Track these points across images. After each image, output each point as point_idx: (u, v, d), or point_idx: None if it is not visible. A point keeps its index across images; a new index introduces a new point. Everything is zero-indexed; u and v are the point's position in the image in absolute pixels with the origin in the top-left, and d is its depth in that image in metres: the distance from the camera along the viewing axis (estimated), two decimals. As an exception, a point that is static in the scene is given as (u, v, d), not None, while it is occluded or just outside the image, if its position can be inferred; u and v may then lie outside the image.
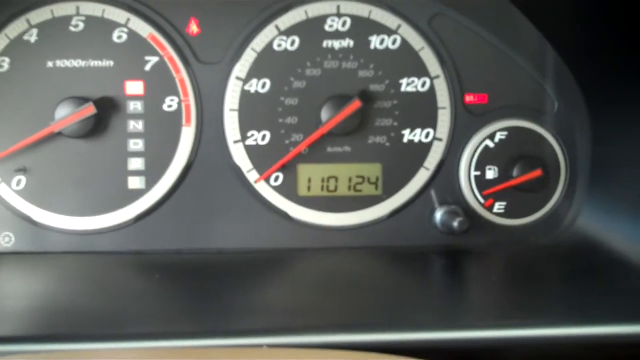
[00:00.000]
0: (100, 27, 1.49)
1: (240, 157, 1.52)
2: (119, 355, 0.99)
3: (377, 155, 1.53)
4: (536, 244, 1.54)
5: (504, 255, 1.51)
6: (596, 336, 1.05)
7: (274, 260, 1.46)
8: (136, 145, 1.50)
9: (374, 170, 1.53)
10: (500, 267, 1.48)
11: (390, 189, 1.54)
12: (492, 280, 1.37)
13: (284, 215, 1.53)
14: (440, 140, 1.54)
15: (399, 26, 1.53)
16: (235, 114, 1.51)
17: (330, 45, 1.52)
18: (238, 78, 1.51)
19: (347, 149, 1.53)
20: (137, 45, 1.50)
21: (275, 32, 1.51)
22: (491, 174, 1.54)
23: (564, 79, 1.53)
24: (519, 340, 1.05)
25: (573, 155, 1.56)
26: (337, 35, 1.52)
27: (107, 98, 1.49)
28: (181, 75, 1.51)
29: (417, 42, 1.53)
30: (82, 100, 1.46)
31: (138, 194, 1.51)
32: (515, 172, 1.53)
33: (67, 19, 1.49)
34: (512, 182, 1.53)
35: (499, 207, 1.55)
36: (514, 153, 1.54)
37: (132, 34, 1.50)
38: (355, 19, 1.52)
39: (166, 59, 1.50)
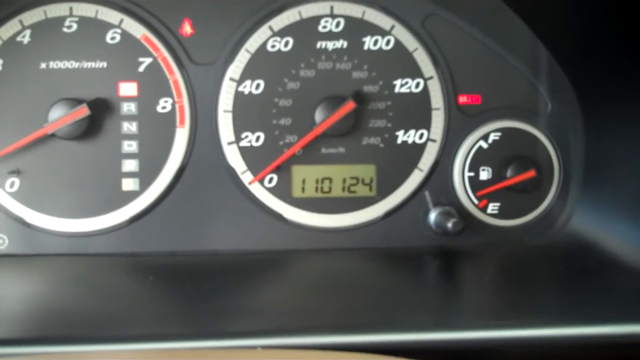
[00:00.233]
0: (93, 28, 1.49)
1: (234, 159, 1.52)
2: (112, 357, 0.99)
3: (371, 156, 1.53)
4: (530, 244, 1.54)
5: (497, 255, 1.51)
6: (589, 336, 1.05)
7: (268, 261, 1.46)
8: (130, 146, 1.50)
9: (368, 171, 1.53)
10: (494, 267, 1.49)
11: (384, 190, 1.54)
12: (485, 281, 1.37)
13: (278, 217, 1.53)
14: (434, 141, 1.54)
15: (393, 27, 1.53)
16: (229, 115, 1.51)
17: (323, 46, 1.52)
18: (232, 79, 1.51)
19: (341, 150, 1.53)
20: (131, 46, 1.50)
21: (269, 33, 1.51)
22: (485, 174, 1.55)
23: (557, 79, 1.54)
24: (513, 341, 1.05)
25: (566, 155, 1.56)
26: (331, 35, 1.52)
27: (100, 99, 1.49)
28: (175, 76, 1.51)
29: (410, 42, 1.53)
30: (76, 102, 1.46)
31: (132, 196, 1.50)
32: (508, 173, 1.53)
33: (60, 20, 1.48)
34: (506, 183, 1.53)
35: (492, 207, 1.55)
36: (507, 154, 1.54)
37: (126, 35, 1.49)
38: (349, 20, 1.52)
39: (160, 60, 1.50)
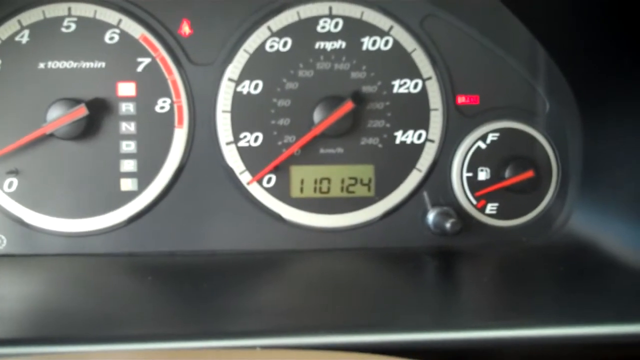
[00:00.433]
0: (91, 28, 1.49)
1: (233, 159, 1.52)
2: (111, 357, 0.98)
3: (370, 156, 1.53)
4: (528, 244, 1.54)
5: (496, 256, 1.51)
6: (588, 336, 1.05)
7: (266, 261, 1.45)
8: (128, 146, 1.50)
9: (366, 171, 1.53)
10: (493, 267, 1.49)
11: (383, 190, 1.54)
12: (484, 281, 1.37)
13: (277, 217, 1.53)
14: (432, 141, 1.54)
15: (391, 27, 1.53)
16: (228, 115, 1.51)
17: (322, 46, 1.52)
18: (230, 79, 1.51)
19: (340, 150, 1.53)
20: (129, 46, 1.49)
21: (268, 33, 1.51)
22: (483, 175, 1.55)
23: (555, 79, 1.54)
24: (511, 341, 1.05)
25: (564, 156, 1.56)
26: (329, 36, 1.52)
27: (99, 99, 1.49)
28: (173, 76, 1.51)
29: (409, 43, 1.53)
30: (74, 102, 1.46)
31: (130, 196, 1.50)
32: (507, 173, 1.53)
33: (59, 20, 1.48)
34: (504, 183, 1.53)
35: (491, 208, 1.55)
36: (505, 154, 1.54)
37: (124, 35, 1.49)
38: (347, 20, 1.52)
39: (158, 60, 1.50)
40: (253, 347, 0.99)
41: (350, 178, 1.53)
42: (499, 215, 1.55)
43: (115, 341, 1.00)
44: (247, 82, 1.51)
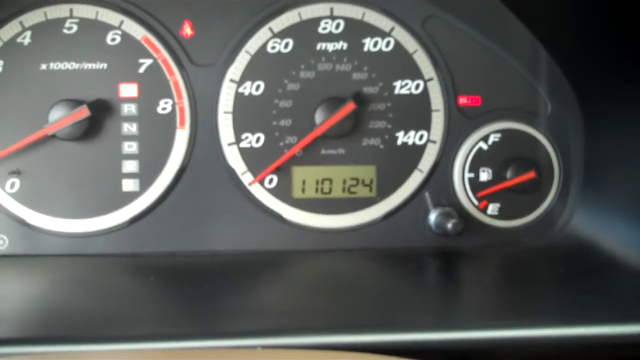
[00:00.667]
0: (93, 29, 1.49)
1: (235, 160, 1.52)
2: (113, 357, 0.99)
3: (371, 157, 1.53)
4: (530, 245, 1.54)
5: (497, 256, 1.51)
6: (590, 336, 1.05)
7: (268, 262, 1.46)
8: (130, 147, 1.50)
9: (368, 172, 1.53)
10: (494, 268, 1.49)
11: (384, 191, 1.54)
12: (486, 282, 1.37)
13: (278, 217, 1.53)
14: (434, 142, 1.54)
15: (392, 28, 1.53)
16: (229, 116, 1.51)
17: (323, 48, 1.52)
18: (232, 80, 1.51)
19: (341, 151, 1.53)
20: (131, 48, 1.50)
21: (269, 34, 1.51)
22: (485, 175, 1.55)
23: (557, 80, 1.54)
24: (513, 341, 1.05)
25: (566, 156, 1.56)
26: (331, 37, 1.52)
27: (100, 100, 1.49)
28: (175, 77, 1.51)
29: (410, 44, 1.53)
30: (76, 103, 1.46)
31: (132, 197, 1.51)
32: (508, 174, 1.53)
33: (61, 21, 1.48)
34: (506, 184, 1.53)
35: (492, 208, 1.55)
36: (507, 155, 1.54)
37: (126, 36, 1.50)
38: (349, 21, 1.53)
39: (160, 61, 1.50)
40: (254, 347, 0.99)
41: (352, 179, 1.53)
42: (500, 215, 1.55)
43: (117, 341, 1.00)
44: (248, 83, 1.51)
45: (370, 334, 1.03)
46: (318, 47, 1.52)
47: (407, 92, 1.53)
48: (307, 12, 1.52)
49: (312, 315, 1.14)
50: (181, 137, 1.51)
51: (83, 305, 1.19)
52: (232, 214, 1.51)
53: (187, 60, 1.51)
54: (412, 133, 1.54)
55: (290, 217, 1.53)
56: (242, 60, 1.51)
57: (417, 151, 1.54)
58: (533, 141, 1.56)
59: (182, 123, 1.51)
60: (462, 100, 1.55)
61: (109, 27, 1.49)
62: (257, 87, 1.52)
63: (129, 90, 1.50)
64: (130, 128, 1.50)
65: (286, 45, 1.52)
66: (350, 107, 1.48)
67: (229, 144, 1.52)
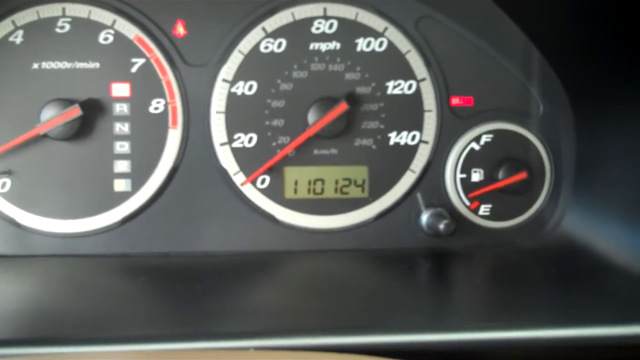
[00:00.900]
0: (86, 29, 1.49)
1: (227, 160, 1.52)
2: (104, 358, 0.98)
3: (364, 157, 1.53)
4: (521, 246, 1.55)
5: (489, 257, 1.52)
6: (581, 338, 1.06)
7: (260, 262, 1.45)
8: (122, 147, 1.50)
9: (360, 172, 1.53)
10: (486, 269, 1.49)
11: (377, 192, 1.54)
12: (477, 282, 1.37)
13: (271, 218, 1.53)
14: (426, 142, 1.55)
15: (386, 28, 1.53)
16: (222, 116, 1.51)
17: (316, 48, 1.52)
18: (224, 80, 1.51)
19: (334, 151, 1.53)
20: (123, 47, 1.49)
21: (262, 34, 1.51)
22: (477, 176, 1.55)
23: (549, 81, 1.54)
24: (504, 342, 1.05)
25: (558, 157, 1.57)
26: (324, 37, 1.52)
27: (92, 100, 1.49)
28: (167, 77, 1.50)
29: (403, 44, 1.53)
30: (68, 102, 1.46)
31: (124, 197, 1.50)
32: (500, 175, 1.53)
33: (53, 20, 1.48)
34: (498, 185, 1.54)
35: (484, 209, 1.55)
36: (499, 155, 1.55)
37: (118, 36, 1.49)
38: (342, 21, 1.52)
39: (152, 61, 1.50)
40: (247, 348, 0.99)
41: (344, 179, 1.53)
42: (492, 216, 1.56)
43: (108, 342, 1.00)
44: (241, 83, 1.51)
45: (362, 335, 1.03)
46: (311, 47, 1.52)
47: (400, 92, 1.54)
48: (301, 12, 1.52)
49: (305, 316, 1.13)
50: (173, 137, 1.51)
51: (74, 306, 1.19)
52: (224, 214, 1.51)
53: (179, 59, 1.51)
54: (404, 133, 1.54)
55: (282, 218, 1.52)
56: (235, 60, 1.51)
57: (410, 151, 1.54)
58: (525, 142, 1.56)
59: (175, 123, 1.51)
60: (455, 101, 1.55)
61: (101, 27, 1.49)
62: (250, 87, 1.51)
63: (121, 89, 1.50)
64: (122, 128, 1.50)
65: (279, 45, 1.52)
66: (342, 107, 1.48)
67: (222, 144, 1.51)
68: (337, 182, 1.53)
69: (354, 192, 1.54)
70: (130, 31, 1.49)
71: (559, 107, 1.55)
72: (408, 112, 1.54)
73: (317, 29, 1.52)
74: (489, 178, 1.55)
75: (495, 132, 1.55)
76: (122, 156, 1.50)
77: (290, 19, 1.52)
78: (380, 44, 1.53)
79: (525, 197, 1.56)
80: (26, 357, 0.97)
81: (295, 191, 1.53)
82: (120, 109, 1.50)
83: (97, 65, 1.49)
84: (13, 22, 1.47)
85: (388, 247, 1.53)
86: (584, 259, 1.42)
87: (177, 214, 1.50)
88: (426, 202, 1.54)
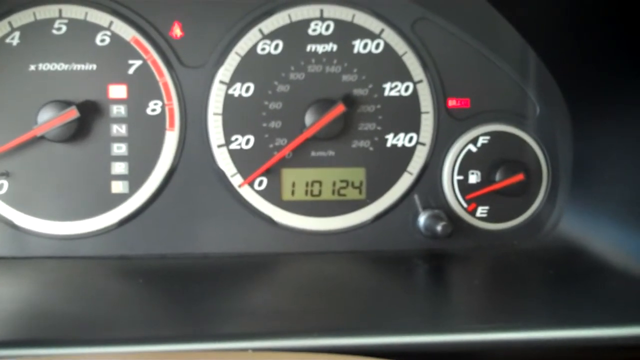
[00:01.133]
0: (82, 30, 1.49)
1: (224, 161, 1.51)
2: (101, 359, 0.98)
3: (361, 159, 1.53)
4: (519, 247, 1.55)
5: (486, 258, 1.52)
6: (578, 339, 1.06)
7: (257, 264, 1.45)
8: (119, 149, 1.50)
9: (357, 174, 1.54)
10: (483, 270, 1.49)
11: (374, 193, 1.54)
12: (474, 284, 1.37)
13: (268, 220, 1.53)
14: (423, 144, 1.55)
15: (382, 30, 1.53)
16: (219, 118, 1.51)
17: (313, 49, 1.52)
18: (222, 82, 1.51)
19: (331, 153, 1.53)
20: (120, 49, 1.49)
21: (259, 36, 1.51)
22: (474, 178, 1.55)
23: (546, 83, 1.54)
24: (502, 343, 1.05)
25: (555, 159, 1.57)
26: (321, 39, 1.52)
27: (89, 102, 1.49)
28: (164, 78, 1.50)
29: (400, 46, 1.53)
30: (65, 104, 1.46)
31: (121, 198, 1.50)
32: (497, 176, 1.54)
33: (50, 22, 1.48)
34: (495, 186, 1.54)
35: (481, 211, 1.55)
36: (496, 157, 1.55)
37: (115, 37, 1.49)
38: (339, 23, 1.53)
39: (149, 63, 1.50)
40: (244, 350, 0.99)
41: (342, 181, 1.53)
42: (489, 218, 1.56)
43: (105, 344, 1.00)
44: (238, 85, 1.51)
45: (360, 336, 1.03)
46: (308, 48, 1.52)
47: (397, 94, 1.54)
48: (297, 13, 1.52)
49: (302, 318, 1.14)
50: (171, 139, 1.51)
51: (71, 307, 1.19)
52: (221, 216, 1.51)
53: (176, 61, 1.51)
54: (401, 135, 1.54)
55: (279, 220, 1.52)
56: (232, 61, 1.51)
57: (407, 153, 1.54)
58: (522, 143, 1.56)
59: (172, 124, 1.51)
60: (452, 103, 1.55)
61: (98, 28, 1.49)
62: (247, 89, 1.51)
63: (118, 91, 1.50)
64: (119, 129, 1.50)
65: (276, 46, 1.52)
66: (340, 109, 1.49)
67: (219, 146, 1.51)
68: (334, 184, 1.53)
69: (352, 194, 1.54)
70: (127, 33, 1.49)
71: (556, 109, 1.55)
72: (405, 114, 1.54)
73: (314, 30, 1.52)
74: (486, 180, 1.55)
75: (492, 134, 1.55)
76: (119, 158, 1.50)
77: (287, 21, 1.52)
78: (377, 46, 1.53)
79: (523, 199, 1.57)
80: (24, 358, 0.96)
81: (293, 193, 1.53)
82: (118, 110, 1.49)
83: (94, 66, 1.49)
84: (9, 24, 1.47)
85: (385, 249, 1.53)
86: (581, 260, 1.42)
87: (174, 216, 1.50)
88: (423, 204, 1.54)
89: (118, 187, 1.50)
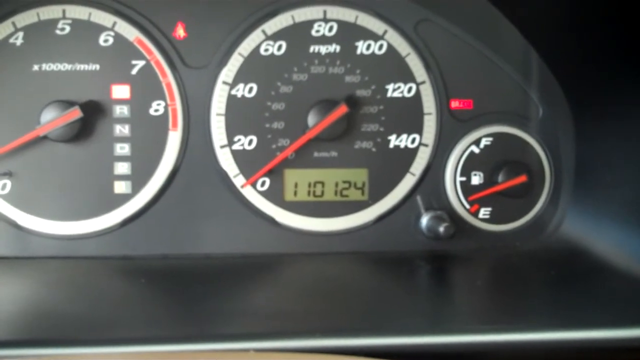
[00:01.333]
0: (86, 31, 1.49)
1: (227, 162, 1.52)
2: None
3: (364, 160, 1.53)
4: (521, 249, 1.55)
5: (489, 260, 1.52)
6: (580, 340, 1.06)
7: (260, 265, 1.45)
8: (122, 149, 1.50)
9: (360, 175, 1.54)
10: (486, 272, 1.49)
11: (376, 194, 1.54)
12: (477, 285, 1.37)
13: (271, 220, 1.53)
14: (426, 145, 1.55)
15: (385, 31, 1.53)
16: (222, 119, 1.51)
17: (316, 50, 1.52)
18: (225, 82, 1.51)
19: (334, 154, 1.53)
20: (124, 49, 1.49)
21: (262, 37, 1.51)
22: (476, 179, 1.55)
23: (548, 84, 1.54)
24: (504, 344, 1.05)
25: (557, 160, 1.57)
26: (324, 40, 1.52)
27: (93, 102, 1.49)
28: (168, 79, 1.50)
29: (403, 47, 1.53)
30: (68, 104, 1.46)
31: (124, 199, 1.50)
32: (500, 178, 1.54)
33: (53, 22, 1.48)
34: (497, 188, 1.54)
35: (484, 212, 1.55)
36: (499, 158, 1.55)
37: (119, 38, 1.49)
38: (342, 24, 1.53)
39: (152, 63, 1.50)
40: (246, 350, 0.99)
41: (344, 182, 1.53)
42: (492, 219, 1.56)
43: (108, 344, 1.00)
44: (241, 86, 1.51)
45: (362, 337, 1.03)
46: (311, 49, 1.52)
47: (400, 95, 1.54)
48: (301, 14, 1.52)
49: (304, 319, 1.14)
50: (173, 139, 1.51)
51: (74, 307, 1.19)
52: (224, 216, 1.51)
53: (179, 62, 1.51)
54: (404, 136, 1.54)
55: (282, 220, 1.53)
56: (235, 62, 1.51)
57: (409, 154, 1.54)
58: (524, 145, 1.56)
59: (175, 125, 1.51)
60: (454, 104, 1.55)
61: (101, 29, 1.49)
62: (250, 90, 1.51)
63: (121, 91, 1.50)
64: (122, 130, 1.50)
65: (279, 47, 1.52)
66: (342, 109, 1.49)
67: (222, 146, 1.52)
68: (337, 184, 1.53)
69: (354, 195, 1.54)
70: (131, 33, 1.50)
71: (558, 110, 1.55)
72: (408, 115, 1.54)
73: (317, 31, 1.52)
74: (489, 181, 1.55)
75: (494, 135, 1.55)
76: (122, 158, 1.50)
77: (290, 22, 1.52)
78: (380, 47, 1.53)
79: (525, 200, 1.56)
80: (27, 358, 0.97)
81: (295, 194, 1.53)
82: (121, 111, 1.50)
83: (97, 67, 1.49)
84: (13, 24, 1.47)
85: (388, 250, 1.53)
86: (584, 261, 1.42)
87: (177, 216, 1.50)
88: (426, 205, 1.54)
89: (121, 187, 1.50)
